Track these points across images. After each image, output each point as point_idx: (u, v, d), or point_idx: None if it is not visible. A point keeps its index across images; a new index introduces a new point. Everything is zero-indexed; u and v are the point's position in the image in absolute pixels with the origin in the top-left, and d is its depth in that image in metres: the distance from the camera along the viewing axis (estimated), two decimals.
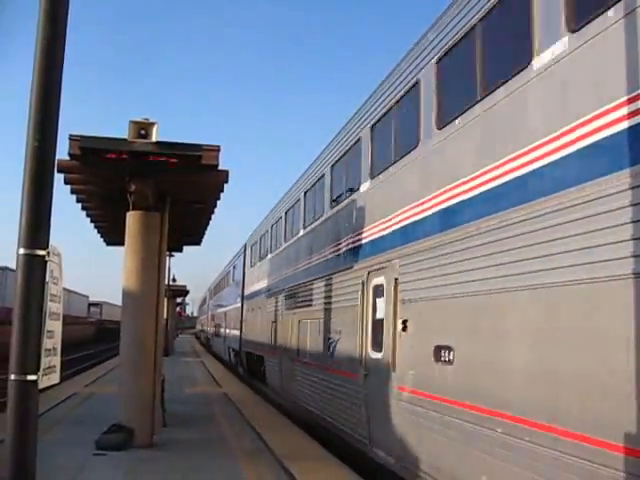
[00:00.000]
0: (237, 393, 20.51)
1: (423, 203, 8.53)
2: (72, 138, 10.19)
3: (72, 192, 12.78)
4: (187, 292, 62.60)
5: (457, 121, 7.71)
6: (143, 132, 10.38)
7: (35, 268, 4.33)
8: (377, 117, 10.68)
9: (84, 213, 14.95)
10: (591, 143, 5.29)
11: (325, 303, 13.23)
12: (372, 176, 10.69)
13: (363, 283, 10.65)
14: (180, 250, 22.45)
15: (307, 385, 14.45)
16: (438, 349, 7.76)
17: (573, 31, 5.58)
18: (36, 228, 4.34)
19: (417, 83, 8.98)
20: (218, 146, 10.63)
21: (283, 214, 18.98)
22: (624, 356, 4.69)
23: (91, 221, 15.99)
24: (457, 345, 7.38)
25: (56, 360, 4.77)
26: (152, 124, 10.40)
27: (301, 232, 16.10)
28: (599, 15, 5.26)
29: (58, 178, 11.40)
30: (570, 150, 5.53)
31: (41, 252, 4.31)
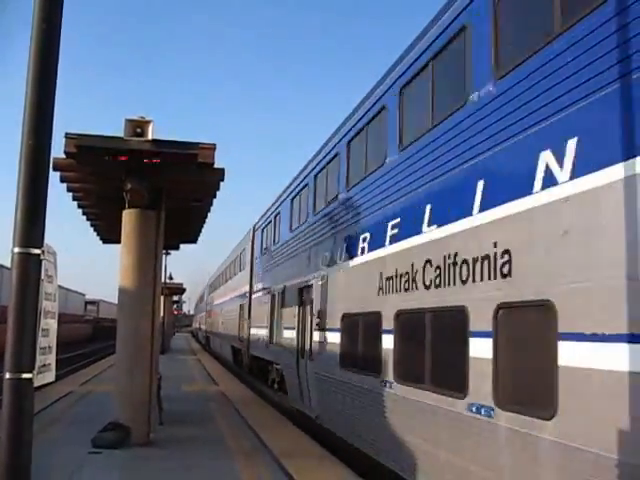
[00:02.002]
0: (234, 391, 20.51)
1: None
2: (68, 136, 10.17)
3: (68, 190, 12.77)
4: (183, 290, 62.58)
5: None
6: (139, 130, 10.36)
7: (30, 267, 4.31)
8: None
9: (80, 211, 14.95)
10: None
11: (222, 313, 38.36)
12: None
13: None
14: (177, 248, 22.47)
15: (216, 343, 42.25)
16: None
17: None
18: (31, 227, 4.32)
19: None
20: (214, 144, 10.61)
21: (219, 275, 42.99)
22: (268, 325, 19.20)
23: (87, 219, 15.98)
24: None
25: (51, 358, 4.77)
26: (148, 122, 10.39)
27: (227, 282, 35.67)
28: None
29: (54, 176, 11.41)
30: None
31: (36, 251, 4.29)
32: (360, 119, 11.40)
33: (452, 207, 7.54)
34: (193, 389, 20.83)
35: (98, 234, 18.17)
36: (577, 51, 5.59)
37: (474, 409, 6.70)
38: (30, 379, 4.28)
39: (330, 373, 11.84)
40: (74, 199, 13.61)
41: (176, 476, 9.41)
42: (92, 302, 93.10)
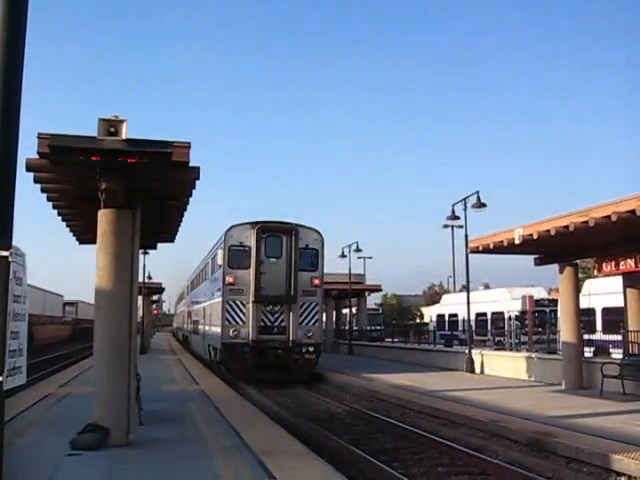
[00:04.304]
0: (215, 390, 20.46)
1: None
2: (41, 137, 10.04)
3: (42, 191, 12.63)
4: (162, 289, 62.29)
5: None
6: (112, 129, 10.26)
7: None
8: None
9: (56, 212, 14.79)
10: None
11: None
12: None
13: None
14: (154, 247, 22.32)
15: (178, 334, 73.60)
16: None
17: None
18: None
19: None
20: (188, 143, 10.51)
21: (180, 294, 73.22)
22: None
23: (63, 220, 15.82)
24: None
25: (22, 361, 4.72)
26: (122, 121, 10.29)
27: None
28: None
29: (28, 177, 11.27)
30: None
31: (4, 253, 4.25)
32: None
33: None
34: (173, 389, 20.75)
35: (75, 235, 18.00)
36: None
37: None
38: (0, 382, 4.24)
39: (192, 335, 43.19)
40: (49, 200, 13.47)
41: (156, 476, 9.37)
42: (71, 303, 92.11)
